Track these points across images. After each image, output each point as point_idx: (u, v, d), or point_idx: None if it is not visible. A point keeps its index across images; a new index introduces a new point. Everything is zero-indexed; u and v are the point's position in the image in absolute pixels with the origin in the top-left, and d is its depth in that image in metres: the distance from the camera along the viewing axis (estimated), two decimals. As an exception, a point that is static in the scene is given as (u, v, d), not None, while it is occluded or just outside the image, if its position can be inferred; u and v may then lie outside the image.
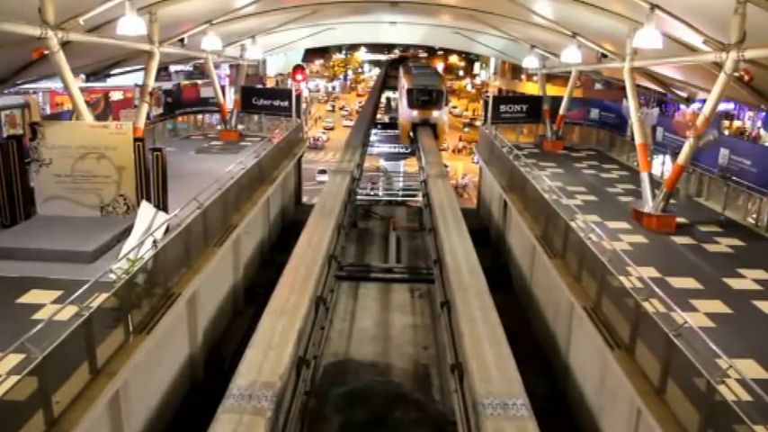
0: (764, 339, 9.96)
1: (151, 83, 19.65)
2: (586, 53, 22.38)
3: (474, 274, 10.96)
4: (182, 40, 21.14)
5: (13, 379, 6.47)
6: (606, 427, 9.57)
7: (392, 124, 42.27)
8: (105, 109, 23.35)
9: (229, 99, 32.75)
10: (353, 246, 19.82)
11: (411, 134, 26.78)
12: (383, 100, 52.84)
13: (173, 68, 38.58)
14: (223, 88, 31.50)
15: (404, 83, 28.83)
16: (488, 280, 10.82)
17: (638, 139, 17.96)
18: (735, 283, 12.30)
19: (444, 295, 11.24)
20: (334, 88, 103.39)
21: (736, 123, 32.28)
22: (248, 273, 16.16)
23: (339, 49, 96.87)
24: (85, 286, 8.10)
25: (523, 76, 51.23)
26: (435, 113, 26.30)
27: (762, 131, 28.80)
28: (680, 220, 16.42)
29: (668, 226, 15.94)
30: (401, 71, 34.71)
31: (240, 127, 30.10)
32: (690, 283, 12.27)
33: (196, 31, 21.43)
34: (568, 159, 26.24)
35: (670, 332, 7.52)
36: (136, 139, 15.13)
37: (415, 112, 26.30)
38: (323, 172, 40.03)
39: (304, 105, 42.07)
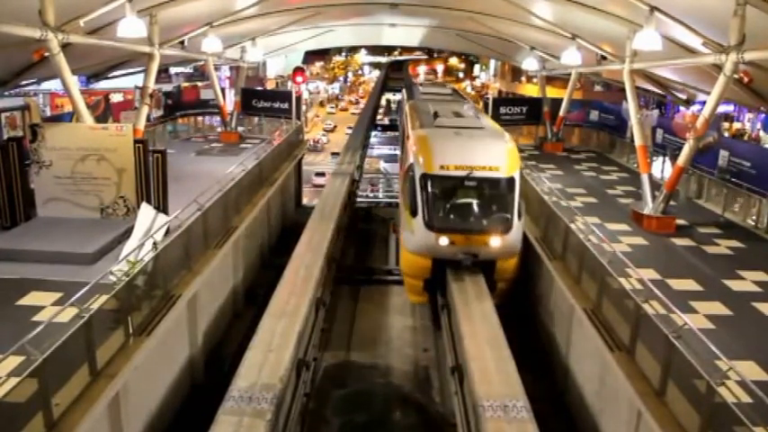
0: (764, 341, 9.96)
1: (151, 84, 19.68)
2: (586, 55, 22.41)
3: (474, 276, 10.97)
4: (182, 42, 21.17)
5: (14, 381, 6.46)
6: (606, 429, 9.56)
7: (392, 126, 42.28)
8: (105, 111, 23.38)
9: (229, 101, 32.81)
10: (353, 248, 19.80)
11: (430, 281, 12.08)
12: (383, 101, 52.87)
13: (173, 70, 38.65)
14: (223, 90, 31.57)
15: (412, 151, 12.04)
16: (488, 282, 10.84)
17: (637, 141, 17.99)
18: (734, 285, 12.31)
19: (444, 297, 11.24)
20: (341, 90, 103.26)
21: (736, 125, 32.29)
22: (248, 274, 16.15)
23: (339, 50, 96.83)
24: (85, 288, 8.10)
25: (523, 78, 51.25)
26: (496, 241, 10.96)
27: (762, 133, 28.80)
28: (679, 221, 16.44)
29: (668, 227, 15.95)
30: (406, 109, 17.62)
31: (240, 129, 30.15)
32: (689, 284, 12.28)
33: (196, 33, 21.46)
34: (568, 161, 26.27)
35: (670, 334, 7.52)
36: (136, 141, 15.15)
37: (443, 241, 10.95)
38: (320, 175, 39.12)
39: (303, 107, 42.16)
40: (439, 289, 11.98)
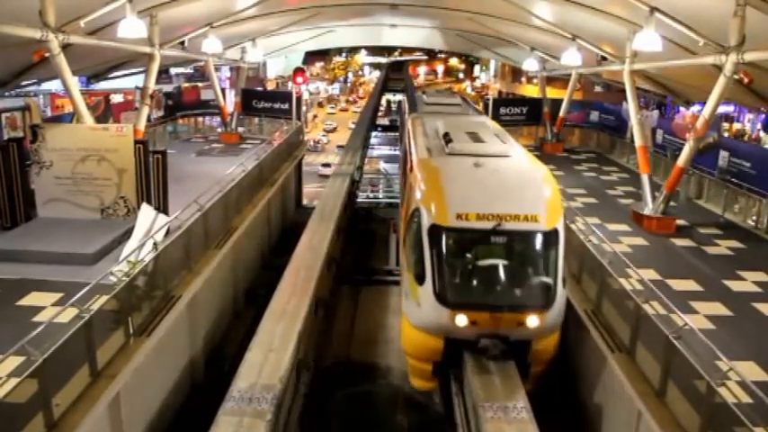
0: (764, 341, 9.97)
1: (152, 85, 19.72)
2: (586, 55, 22.44)
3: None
4: (182, 42, 21.20)
5: (14, 381, 6.47)
6: (606, 430, 9.56)
7: (392, 127, 42.29)
8: (106, 111, 23.42)
9: (230, 101, 32.86)
10: (354, 248, 19.80)
11: (441, 363, 8.98)
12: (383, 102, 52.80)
13: (173, 71, 38.71)
14: (223, 91, 31.61)
15: (417, 188, 9.19)
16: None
17: (637, 142, 18.00)
18: (735, 285, 12.32)
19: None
20: (341, 91, 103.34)
21: (736, 126, 32.31)
22: (249, 275, 16.15)
23: (339, 51, 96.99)
24: (86, 289, 8.10)
25: (523, 79, 51.33)
26: (533, 320, 8.04)
27: (762, 134, 28.83)
28: (680, 222, 16.44)
29: (668, 228, 15.96)
30: (408, 125, 13.90)
31: (240, 129, 30.18)
32: (690, 285, 12.29)
33: (197, 34, 21.49)
34: (568, 162, 26.30)
35: (670, 334, 7.52)
36: (137, 142, 15.17)
37: (461, 320, 8.04)
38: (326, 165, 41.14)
39: (304, 108, 42.44)
40: (452, 372, 8.91)
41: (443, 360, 8.68)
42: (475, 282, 8.22)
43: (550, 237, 8.23)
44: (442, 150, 10.22)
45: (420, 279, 8.29)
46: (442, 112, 15.19)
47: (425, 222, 8.32)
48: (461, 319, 7.96)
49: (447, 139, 10.51)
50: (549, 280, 8.18)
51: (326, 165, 42.04)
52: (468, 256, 8.23)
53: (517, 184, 8.82)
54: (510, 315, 7.98)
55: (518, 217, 8.14)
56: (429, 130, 12.08)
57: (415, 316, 8.61)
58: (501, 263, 8.15)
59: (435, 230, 8.19)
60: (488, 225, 8.04)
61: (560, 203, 8.83)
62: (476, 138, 10.93)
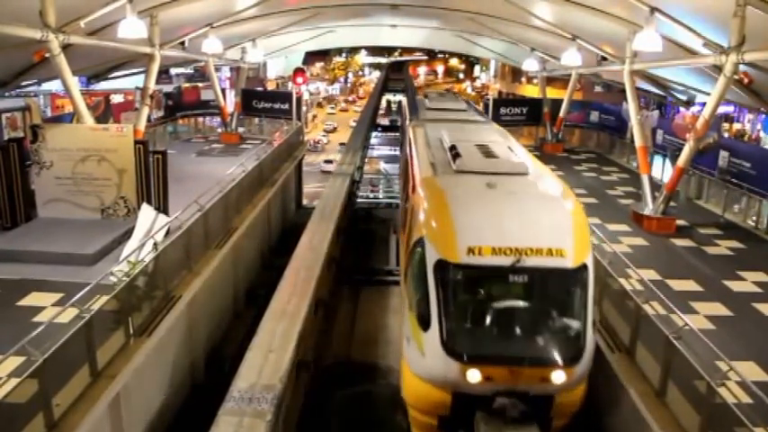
0: (764, 341, 9.97)
1: (152, 85, 19.74)
2: (586, 56, 22.45)
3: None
4: (182, 42, 21.23)
5: (14, 381, 6.48)
6: (606, 429, 9.56)
7: (392, 127, 42.29)
8: (106, 111, 23.44)
9: (230, 102, 32.89)
10: (354, 248, 19.80)
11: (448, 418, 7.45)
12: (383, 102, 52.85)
13: (173, 71, 38.70)
14: (224, 91, 31.65)
15: (421, 212, 7.83)
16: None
17: (638, 142, 18.02)
18: (735, 286, 12.33)
19: None
20: (341, 92, 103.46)
21: (736, 126, 32.31)
22: (249, 275, 16.14)
23: (339, 51, 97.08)
24: (86, 289, 8.11)
25: (523, 79, 51.35)
26: (559, 376, 6.74)
27: (762, 134, 28.82)
28: (680, 222, 16.45)
29: (668, 228, 15.98)
30: (409, 134, 12.66)
31: (241, 130, 30.21)
32: (690, 285, 12.30)
33: (197, 34, 21.52)
34: (568, 162, 26.32)
35: (670, 334, 7.52)
36: (137, 142, 15.19)
37: (473, 375, 6.72)
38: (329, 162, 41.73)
39: (304, 108, 42.55)
40: (463, 429, 7.50)
41: (451, 414, 7.39)
42: (490, 330, 6.98)
43: (579, 274, 7.02)
44: (448, 167, 8.83)
45: (424, 324, 6.99)
46: (446, 118, 13.94)
47: (430, 257, 7.02)
48: (474, 375, 6.75)
49: (454, 152, 9.16)
50: (577, 326, 6.99)
51: (329, 161, 42.56)
52: (482, 298, 7.04)
53: (539, 210, 7.45)
54: (532, 370, 6.77)
55: (541, 251, 6.86)
56: (433, 141, 10.71)
57: (417, 365, 7.29)
58: (521, 307, 6.96)
59: (442, 267, 6.92)
60: (506, 261, 6.78)
61: (588, 231, 7.61)
62: (487, 151, 9.56)
